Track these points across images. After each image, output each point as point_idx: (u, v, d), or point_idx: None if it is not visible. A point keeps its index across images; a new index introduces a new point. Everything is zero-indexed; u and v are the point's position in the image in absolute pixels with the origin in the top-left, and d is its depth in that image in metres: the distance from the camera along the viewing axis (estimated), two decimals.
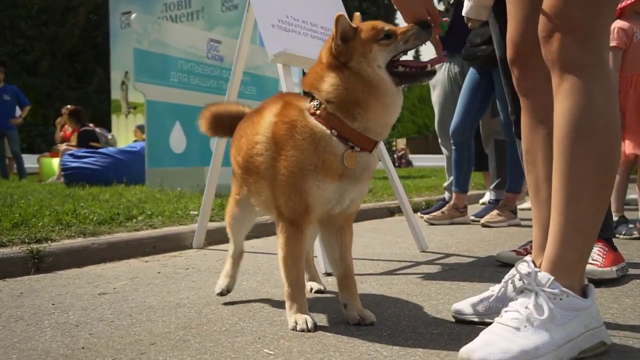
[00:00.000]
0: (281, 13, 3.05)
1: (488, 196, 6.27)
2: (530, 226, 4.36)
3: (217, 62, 7.26)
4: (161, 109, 6.92)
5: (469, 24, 4.18)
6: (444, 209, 4.85)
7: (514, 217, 4.58)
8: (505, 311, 1.42)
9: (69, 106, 11.78)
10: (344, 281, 1.84)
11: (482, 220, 4.52)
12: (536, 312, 1.37)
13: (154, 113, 6.88)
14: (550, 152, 1.67)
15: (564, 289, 1.39)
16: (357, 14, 1.82)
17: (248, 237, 2.76)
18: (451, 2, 4.93)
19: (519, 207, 5.92)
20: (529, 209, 5.93)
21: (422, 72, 1.70)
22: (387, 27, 1.71)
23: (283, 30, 3.01)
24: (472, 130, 4.68)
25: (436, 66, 1.76)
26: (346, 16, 1.69)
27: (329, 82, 1.69)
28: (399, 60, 1.69)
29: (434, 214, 4.85)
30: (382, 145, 3.36)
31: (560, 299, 1.38)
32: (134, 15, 6.49)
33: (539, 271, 1.44)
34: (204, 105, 2.30)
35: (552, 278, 1.40)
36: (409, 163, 26.68)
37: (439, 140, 5.27)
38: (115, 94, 12.71)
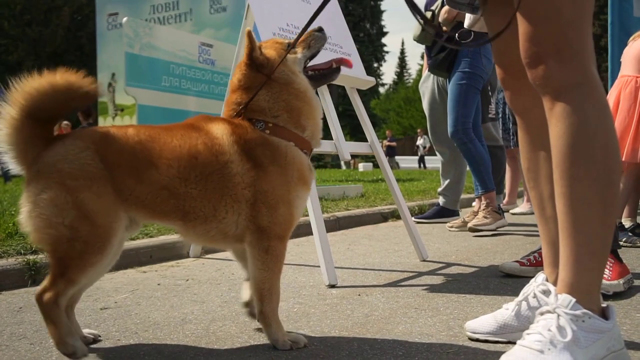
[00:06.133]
0: (282, 21, 3.01)
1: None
2: (525, 232, 4.44)
3: (208, 66, 7.21)
4: (152, 113, 6.84)
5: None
6: (486, 213, 4.56)
7: (499, 217, 4.53)
8: (528, 333, 1.40)
9: None
10: None
11: (470, 225, 4.49)
12: (559, 335, 1.35)
13: (145, 117, 6.80)
14: (551, 169, 1.65)
15: (585, 310, 1.37)
16: (248, 29, 1.76)
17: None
18: (437, 10, 4.92)
19: (511, 212, 5.95)
20: (522, 214, 5.91)
21: (329, 70, 1.86)
22: (285, 40, 1.87)
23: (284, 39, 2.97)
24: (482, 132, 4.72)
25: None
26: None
27: (264, 99, 1.73)
28: (307, 67, 1.85)
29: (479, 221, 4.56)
30: (379, 150, 3.34)
31: (583, 321, 1.36)
32: (125, 19, 6.41)
33: (558, 293, 1.42)
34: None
35: (574, 300, 1.38)
36: (395, 164, 26.74)
37: (434, 146, 5.26)
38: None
